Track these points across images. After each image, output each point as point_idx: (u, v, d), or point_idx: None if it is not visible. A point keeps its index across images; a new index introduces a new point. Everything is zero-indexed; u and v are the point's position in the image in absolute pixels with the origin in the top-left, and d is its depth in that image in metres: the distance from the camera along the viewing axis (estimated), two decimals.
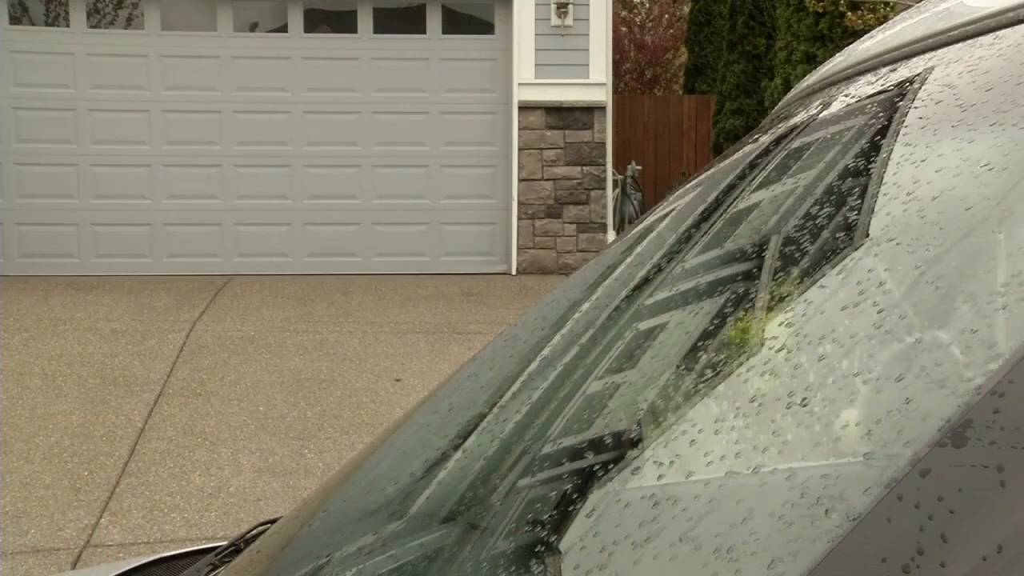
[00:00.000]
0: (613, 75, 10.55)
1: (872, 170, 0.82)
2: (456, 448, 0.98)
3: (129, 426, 5.76)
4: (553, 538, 0.72)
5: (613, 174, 10.42)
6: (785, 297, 0.75)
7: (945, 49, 0.87)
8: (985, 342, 0.56)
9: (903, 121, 0.83)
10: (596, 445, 0.79)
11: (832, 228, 0.78)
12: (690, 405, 0.73)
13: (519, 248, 9.70)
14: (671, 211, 1.11)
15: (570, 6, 9.42)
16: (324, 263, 9.54)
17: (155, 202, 9.66)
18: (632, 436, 0.75)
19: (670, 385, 0.78)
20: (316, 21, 9.97)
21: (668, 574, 0.60)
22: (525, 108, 9.57)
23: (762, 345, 0.72)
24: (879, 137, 0.85)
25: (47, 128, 9.49)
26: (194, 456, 5.36)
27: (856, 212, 0.78)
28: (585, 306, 1.08)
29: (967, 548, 0.47)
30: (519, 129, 9.60)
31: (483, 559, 0.77)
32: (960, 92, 0.78)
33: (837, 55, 1.16)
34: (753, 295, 0.79)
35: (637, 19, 21.59)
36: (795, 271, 0.78)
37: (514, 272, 9.71)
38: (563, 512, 0.73)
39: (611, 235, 9.81)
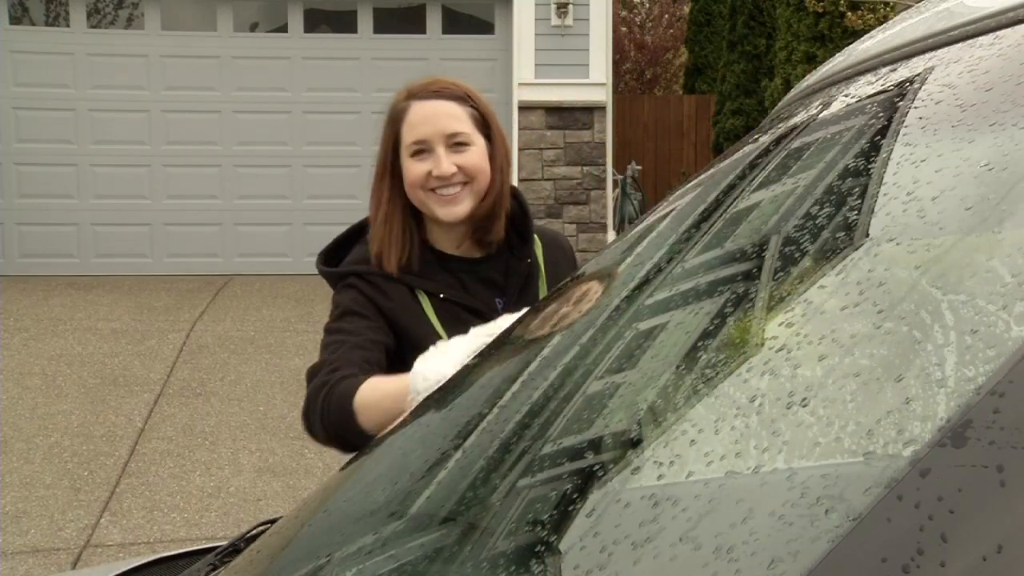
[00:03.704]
0: (613, 75, 10.55)
1: (872, 170, 0.82)
2: (456, 448, 0.98)
3: (129, 426, 5.76)
4: (553, 538, 0.72)
5: (613, 174, 10.42)
6: (785, 297, 0.75)
7: (945, 49, 0.87)
8: (985, 342, 0.56)
9: (903, 121, 0.83)
10: (596, 445, 0.79)
11: (832, 228, 0.78)
12: (690, 405, 0.73)
13: None
14: (671, 211, 1.11)
15: (570, 6, 9.42)
16: None
17: (155, 202, 9.66)
18: (632, 436, 0.75)
19: (670, 385, 0.78)
20: (316, 21, 9.97)
21: (668, 574, 0.60)
22: (525, 108, 9.57)
23: (762, 345, 0.72)
24: (879, 137, 0.85)
25: (47, 128, 9.49)
26: (194, 456, 5.36)
27: (856, 212, 0.78)
28: (585, 306, 1.08)
29: (967, 548, 0.47)
30: (519, 129, 9.60)
31: (483, 559, 0.77)
32: (960, 92, 0.78)
33: (837, 55, 1.16)
34: (753, 295, 0.79)
35: (637, 19, 21.59)
36: (795, 271, 0.78)
37: None
38: (563, 512, 0.73)
39: (611, 235, 9.81)
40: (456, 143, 1.93)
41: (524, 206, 2.05)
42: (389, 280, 1.94)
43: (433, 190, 1.93)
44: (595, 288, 1.10)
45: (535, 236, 2.08)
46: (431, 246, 2.00)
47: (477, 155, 1.94)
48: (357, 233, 2.08)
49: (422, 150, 1.93)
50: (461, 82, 2.02)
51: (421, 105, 1.94)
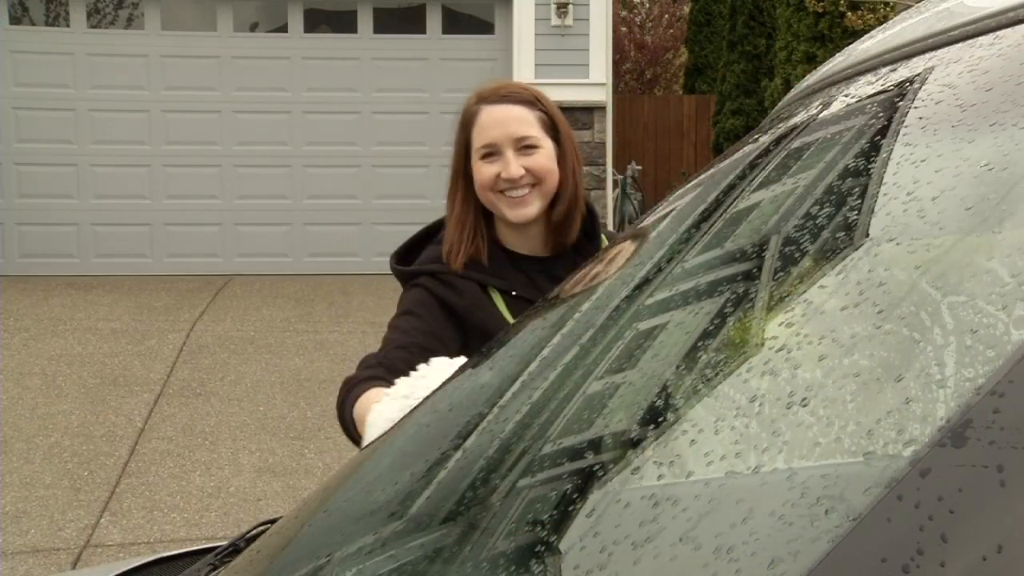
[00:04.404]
0: (613, 75, 10.55)
1: (872, 170, 0.82)
2: (456, 448, 0.98)
3: (129, 426, 5.76)
4: (553, 538, 0.72)
5: (613, 174, 10.42)
6: (785, 297, 0.75)
7: (945, 49, 0.87)
8: (985, 342, 0.56)
9: (903, 121, 0.83)
10: (596, 445, 0.79)
11: (832, 228, 0.78)
12: (690, 405, 0.73)
13: None
14: (671, 211, 1.11)
15: (570, 6, 9.42)
16: (324, 263, 9.53)
17: (155, 202, 9.66)
18: (632, 436, 0.75)
19: (670, 385, 0.78)
20: (316, 21, 9.97)
21: (668, 574, 0.60)
22: None
23: (762, 345, 0.72)
24: (879, 137, 0.85)
25: (47, 128, 9.49)
26: (194, 456, 5.36)
27: (856, 212, 0.78)
28: (585, 306, 1.09)
29: (967, 548, 0.47)
30: None
31: (483, 559, 0.77)
32: (960, 92, 0.78)
33: (837, 55, 1.16)
34: (753, 295, 0.79)
35: (637, 19, 21.60)
36: (795, 271, 0.78)
37: None
38: (563, 512, 0.73)
39: None
40: (524, 146, 1.99)
41: (589, 205, 2.11)
42: (462, 278, 2.00)
43: (502, 192, 1.99)
44: (597, 287, 1.11)
45: (603, 236, 2.14)
46: (502, 246, 2.06)
47: (545, 157, 2.00)
48: (432, 233, 2.14)
49: (491, 153, 1.99)
50: (530, 86, 2.09)
51: (491, 109, 2.01)
